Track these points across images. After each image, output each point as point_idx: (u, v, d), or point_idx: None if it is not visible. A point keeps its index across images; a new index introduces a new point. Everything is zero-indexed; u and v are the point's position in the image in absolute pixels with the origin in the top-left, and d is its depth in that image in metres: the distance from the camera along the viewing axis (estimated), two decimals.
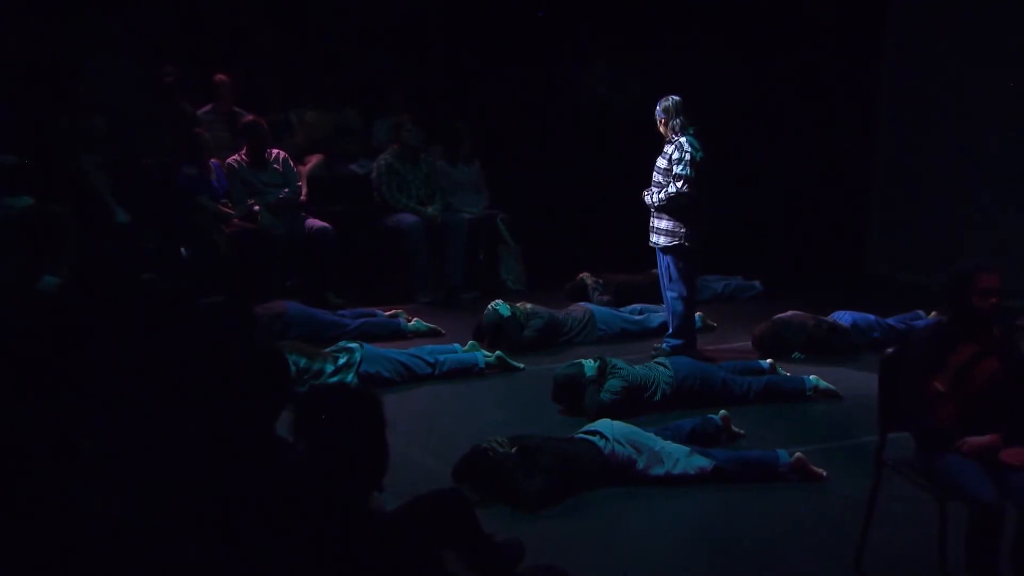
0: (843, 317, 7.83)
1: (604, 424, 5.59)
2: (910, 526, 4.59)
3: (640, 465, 5.38)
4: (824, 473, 5.48)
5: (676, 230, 7.18)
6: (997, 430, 4.14)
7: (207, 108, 9.25)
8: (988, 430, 4.14)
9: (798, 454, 5.52)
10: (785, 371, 7.03)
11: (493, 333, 7.58)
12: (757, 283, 9.55)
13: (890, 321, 7.93)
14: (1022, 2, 9.14)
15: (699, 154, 7.07)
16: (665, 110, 7.16)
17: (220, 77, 9.24)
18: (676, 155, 7.08)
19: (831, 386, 6.80)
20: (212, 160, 8.67)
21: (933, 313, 7.92)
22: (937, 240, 9.73)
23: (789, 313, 7.81)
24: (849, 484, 5.24)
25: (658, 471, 5.37)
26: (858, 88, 10.45)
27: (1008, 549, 3.97)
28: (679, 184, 7.06)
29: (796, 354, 7.53)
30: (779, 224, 10.19)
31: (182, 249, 8.30)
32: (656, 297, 8.25)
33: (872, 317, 7.90)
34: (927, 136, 10.07)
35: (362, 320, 7.82)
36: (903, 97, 10.35)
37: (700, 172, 7.06)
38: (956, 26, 9.70)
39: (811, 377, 6.85)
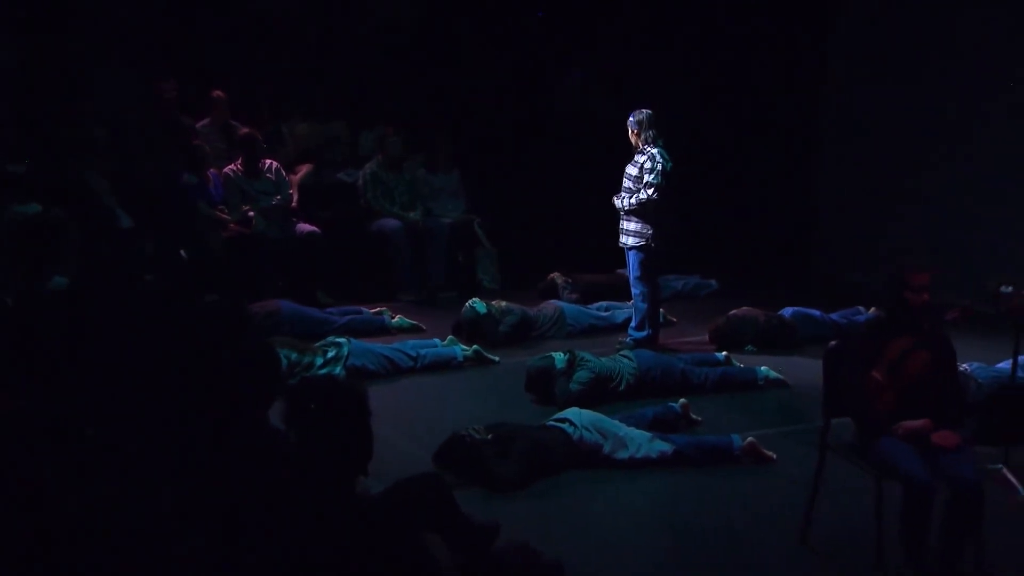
0: (785, 312, 7.89)
1: (573, 412, 5.61)
2: (851, 503, 4.62)
3: (606, 450, 5.40)
4: (774, 456, 5.53)
5: (644, 232, 7.26)
6: (929, 415, 4.19)
7: (205, 121, 9.21)
8: (921, 415, 4.19)
9: (750, 439, 5.57)
10: (739, 363, 7.08)
11: (470, 329, 7.58)
12: (713, 282, 9.60)
13: (833, 316, 7.99)
14: (964, 13, 9.20)
15: (668, 164, 7.16)
16: (639, 122, 7.22)
17: (217, 93, 9.20)
18: (648, 164, 7.14)
19: (780, 376, 6.85)
20: (210, 170, 8.65)
21: (872, 309, 7.99)
22: (876, 242, 9.81)
23: (743, 309, 7.84)
24: (796, 465, 5.29)
25: (623, 455, 5.39)
26: (805, 106, 10.52)
27: (938, 524, 4.02)
28: (650, 191, 7.13)
29: (749, 347, 7.57)
30: (733, 228, 10.24)
31: (182, 252, 8.25)
32: (620, 295, 8.30)
33: (817, 313, 7.97)
34: (867, 148, 10.15)
35: (349, 317, 7.80)
36: (846, 114, 10.42)
37: (668, 180, 7.14)
38: (899, 37, 9.75)
39: (762, 368, 6.90)
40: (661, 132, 7.24)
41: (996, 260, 8.36)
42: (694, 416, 6.08)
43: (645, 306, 7.46)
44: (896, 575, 4.09)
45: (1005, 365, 6.09)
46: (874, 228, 10.01)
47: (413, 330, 7.93)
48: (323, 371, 6.48)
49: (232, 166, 8.62)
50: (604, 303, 8.47)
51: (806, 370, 6.71)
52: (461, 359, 7.15)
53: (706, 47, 10.28)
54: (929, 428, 4.16)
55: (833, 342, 4.62)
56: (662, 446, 5.44)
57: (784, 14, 10.13)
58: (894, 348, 4.29)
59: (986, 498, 4.06)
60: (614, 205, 7.38)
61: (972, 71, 9.09)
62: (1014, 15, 8.86)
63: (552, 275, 9.01)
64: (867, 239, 10.06)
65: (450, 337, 7.45)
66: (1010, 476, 5.12)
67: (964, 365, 6.11)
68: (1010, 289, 5.25)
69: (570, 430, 5.42)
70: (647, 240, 7.27)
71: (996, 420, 4.00)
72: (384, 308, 8.15)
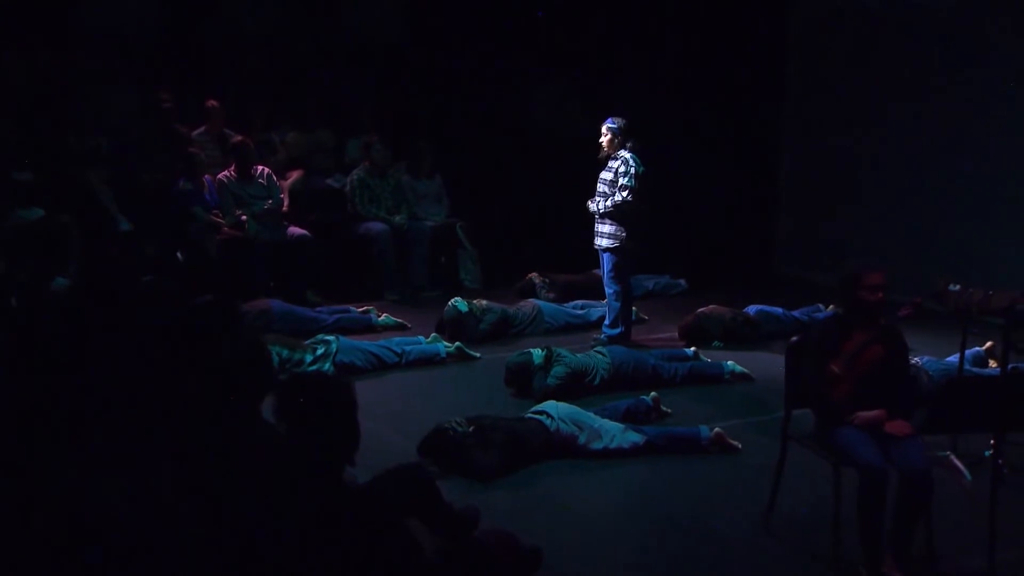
0: (750, 310, 7.93)
1: (550, 405, 5.61)
2: (811, 489, 4.65)
3: (582, 441, 5.40)
4: (739, 445, 5.55)
5: (618, 233, 7.27)
6: (883, 405, 4.22)
7: (200, 130, 9.17)
8: (875, 406, 4.21)
9: (717, 429, 5.58)
10: (706, 358, 7.09)
11: (453, 327, 7.57)
12: (682, 281, 9.63)
13: (795, 314, 8.02)
14: (918, 19, 9.25)
15: (641, 169, 7.18)
16: (619, 128, 7.24)
17: (211, 103, 9.17)
18: (622, 169, 7.16)
19: (745, 370, 6.88)
20: (205, 176, 8.62)
21: (831, 306, 8.04)
22: (834, 244, 9.88)
23: (710, 308, 7.86)
24: (760, 454, 5.31)
25: (597, 446, 5.40)
26: (766, 118, 10.59)
27: (891, 507, 4.06)
28: (624, 194, 7.15)
29: (716, 343, 7.60)
30: (701, 231, 10.28)
31: (178, 254, 8.23)
32: (595, 294, 8.31)
33: (779, 310, 8.00)
34: (826, 156, 10.22)
35: (337, 316, 7.78)
36: (804, 125, 10.49)
37: (641, 184, 7.16)
38: (855, 44, 9.80)
39: (728, 363, 6.92)
40: (633, 138, 7.27)
41: (945, 259, 8.44)
42: (664, 408, 6.09)
43: (618, 304, 7.48)
44: (852, 556, 4.12)
45: (953, 359, 6.15)
46: (832, 231, 10.09)
47: (398, 328, 7.91)
48: (313, 367, 6.45)
49: (226, 172, 8.60)
50: (580, 302, 8.49)
51: (769, 364, 6.75)
52: (444, 355, 7.14)
53: (670, 57, 10.31)
54: (883, 418, 4.19)
55: (794, 338, 4.64)
56: (634, 437, 5.45)
57: (744, 24, 10.18)
58: (851, 343, 4.31)
59: (935, 483, 4.10)
60: (588, 209, 7.39)
61: (926, 77, 9.15)
62: (964, 20, 8.91)
63: (530, 275, 9.02)
64: (826, 241, 10.14)
65: (434, 334, 7.45)
66: (957, 462, 5.18)
67: (916, 359, 6.16)
68: (958, 287, 5.31)
69: (547, 422, 5.42)
70: (620, 242, 7.29)
71: (945, 410, 4.03)
72: (371, 307, 8.13)
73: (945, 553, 4.23)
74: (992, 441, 4.33)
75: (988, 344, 6.75)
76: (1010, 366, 5.00)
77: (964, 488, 4.98)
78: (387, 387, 6.60)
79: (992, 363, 6.69)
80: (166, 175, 8.52)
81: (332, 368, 6.54)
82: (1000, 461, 4.10)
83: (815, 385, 4.34)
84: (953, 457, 5.22)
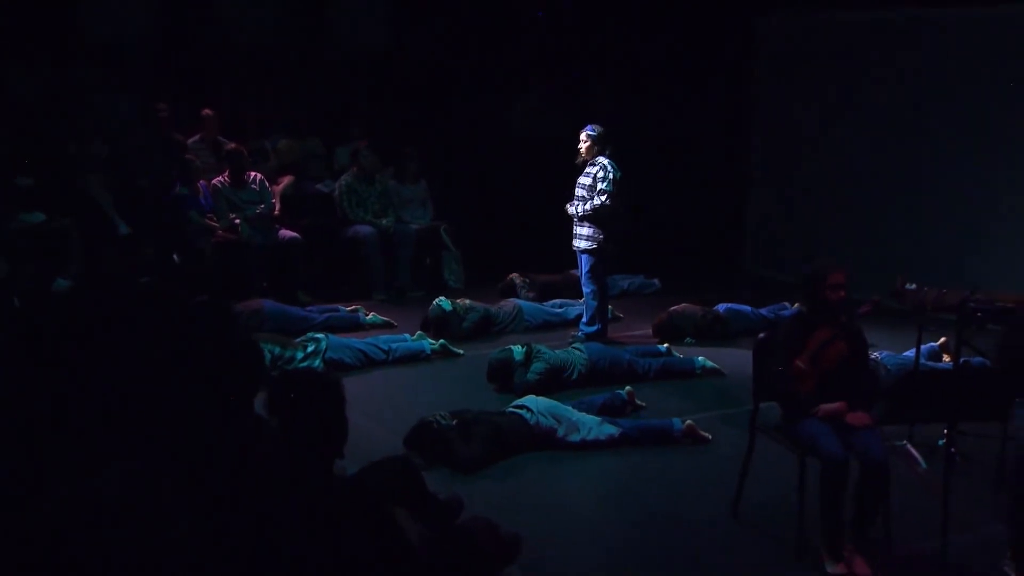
0: (720, 308, 7.96)
1: (530, 399, 5.62)
2: (777, 478, 4.67)
3: (560, 433, 5.42)
4: (710, 436, 5.58)
5: (595, 236, 7.27)
6: (844, 398, 4.25)
7: (196, 137, 9.14)
8: (838, 398, 4.25)
9: (689, 422, 5.61)
10: (679, 353, 7.11)
11: (437, 325, 7.57)
12: (656, 281, 9.65)
13: (762, 311, 8.04)
14: (884, 30, 9.30)
15: (618, 174, 7.20)
16: (599, 136, 7.24)
17: (206, 111, 9.15)
18: (600, 174, 7.17)
19: (716, 365, 6.90)
20: (200, 181, 8.58)
21: (796, 304, 8.08)
22: (799, 246, 9.93)
23: (682, 306, 7.88)
24: (729, 445, 5.34)
25: (575, 438, 5.42)
26: (735, 123, 10.64)
27: (852, 494, 4.10)
28: (603, 198, 7.15)
29: (688, 339, 7.61)
30: (674, 233, 10.32)
31: (175, 256, 8.19)
32: (573, 293, 8.32)
33: (748, 308, 8.04)
34: (792, 164, 10.27)
35: (327, 315, 7.76)
36: (772, 133, 10.54)
37: (618, 188, 7.18)
38: (822, 52, 9.82)
39: (699, 358, 6.94)
40: (611, 145, 7.29)
41: (902, 260, 8.49)
42: (639, 402, 6.10)
43: (595, 303, 7.49)
44: (815, 541, 4.15)
45: (910, 354, 6.19)
46: (797, 233, 10.15)
47: (385, 326, 7.89)
48: (303, 364, 6.43)
49: (220, 178, 8.57)
50: (558, 300, 8.49)
51: (739, 360, 6.75)
52: (429, 352, 7.14)
53: (643, 63, 10.34)
54: (844, 410, 4.22)
55: (762, 334, 4.66)
56: (610, 429, 5.47)
57: (714, 31, 10.22)
58: (815, 339, 4.34)
59: (893, 471, 4.13)
60: (567, 212, 7.41)
61: (891, 83, 9.18)
62: (924, 29, 8.97)
63: (511, 275, 9.01)
64: (791, 243, 10.20)
65: (419, 332, 7.44)
66: (913, 451, 5.23)
67: (875, 354, 6.21)
68: (914, 286, 5.36)
69: (527, 415, 5.43)
70: (598, 243, 7.30)
71: (902, 402, 4.08)
72: (359, 306, 8.10)
73: (901, 536, 4.27)
74: (945, 431, 4.38)
75: (942, 339, 6.81)
76: (962, 360, 5.08)
77: (919, 475, 5.03)
78: (374, 383, 6.60)
79: (946, 357, 6.76)
80: (163, 181, 8.48)
81: (322, 365, 6.52)
82: (953, 449, 4.15)
83: (781, 379, 4.36)
84: (909, 446, 5.27)
